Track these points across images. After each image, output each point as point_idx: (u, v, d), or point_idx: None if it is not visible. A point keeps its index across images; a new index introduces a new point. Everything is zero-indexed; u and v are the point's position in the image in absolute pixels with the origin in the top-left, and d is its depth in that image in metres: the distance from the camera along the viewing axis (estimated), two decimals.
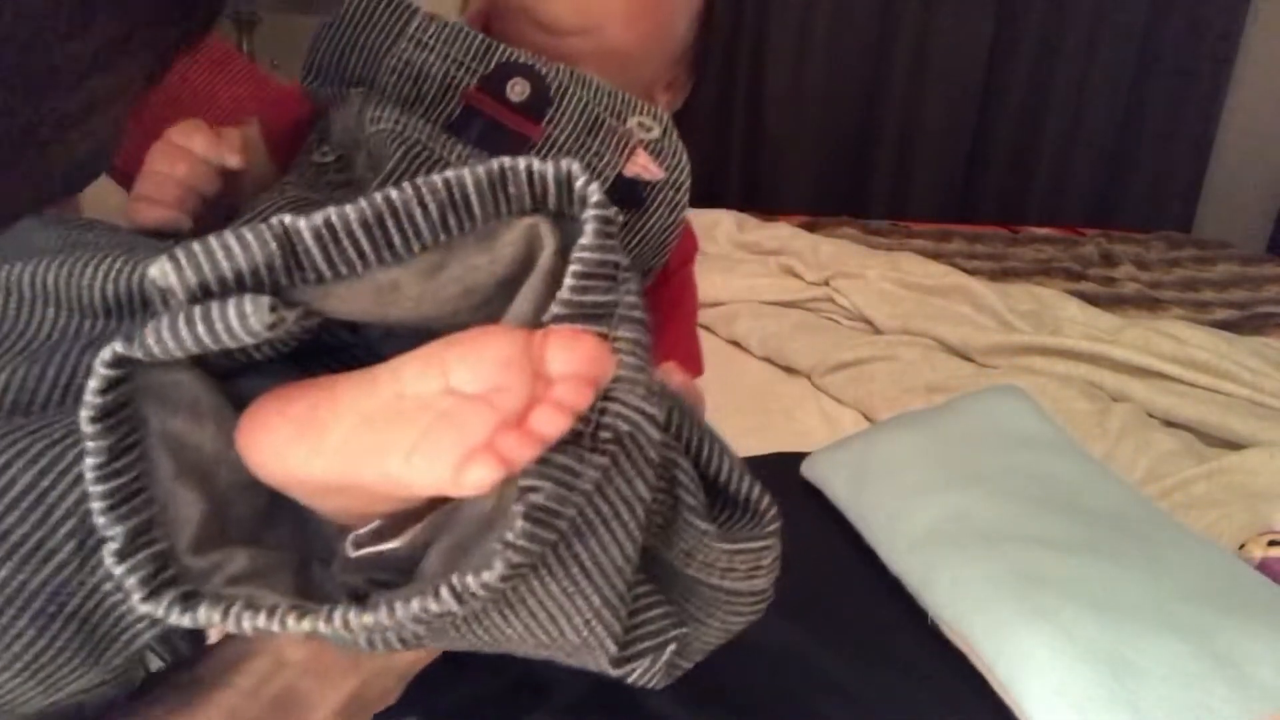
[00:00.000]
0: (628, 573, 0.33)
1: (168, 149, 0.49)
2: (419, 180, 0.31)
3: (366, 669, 0.41)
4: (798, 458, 0.90)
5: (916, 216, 2.32)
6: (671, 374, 0.45)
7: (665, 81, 0.64)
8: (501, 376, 0.29)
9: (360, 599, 0.32)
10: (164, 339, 0.30)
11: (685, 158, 0.54)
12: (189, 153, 0.48)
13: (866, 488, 0.80)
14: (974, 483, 0.77)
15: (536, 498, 0.29)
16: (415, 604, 0.30)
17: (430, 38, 0.52)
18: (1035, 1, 2.52)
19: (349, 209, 0.30)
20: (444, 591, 0.29)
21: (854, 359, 1.22)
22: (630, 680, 0.38)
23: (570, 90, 0.51)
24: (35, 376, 0.35)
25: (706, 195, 2.36)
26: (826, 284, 1.50)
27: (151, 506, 0.31)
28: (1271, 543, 0.79)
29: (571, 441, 0.30)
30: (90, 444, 0.30)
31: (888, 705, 0.60)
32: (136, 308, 0.37)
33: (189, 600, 0.31)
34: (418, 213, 0.31)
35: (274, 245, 0.30)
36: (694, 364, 0.63)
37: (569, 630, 0.34)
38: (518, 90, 0.51)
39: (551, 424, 0.27)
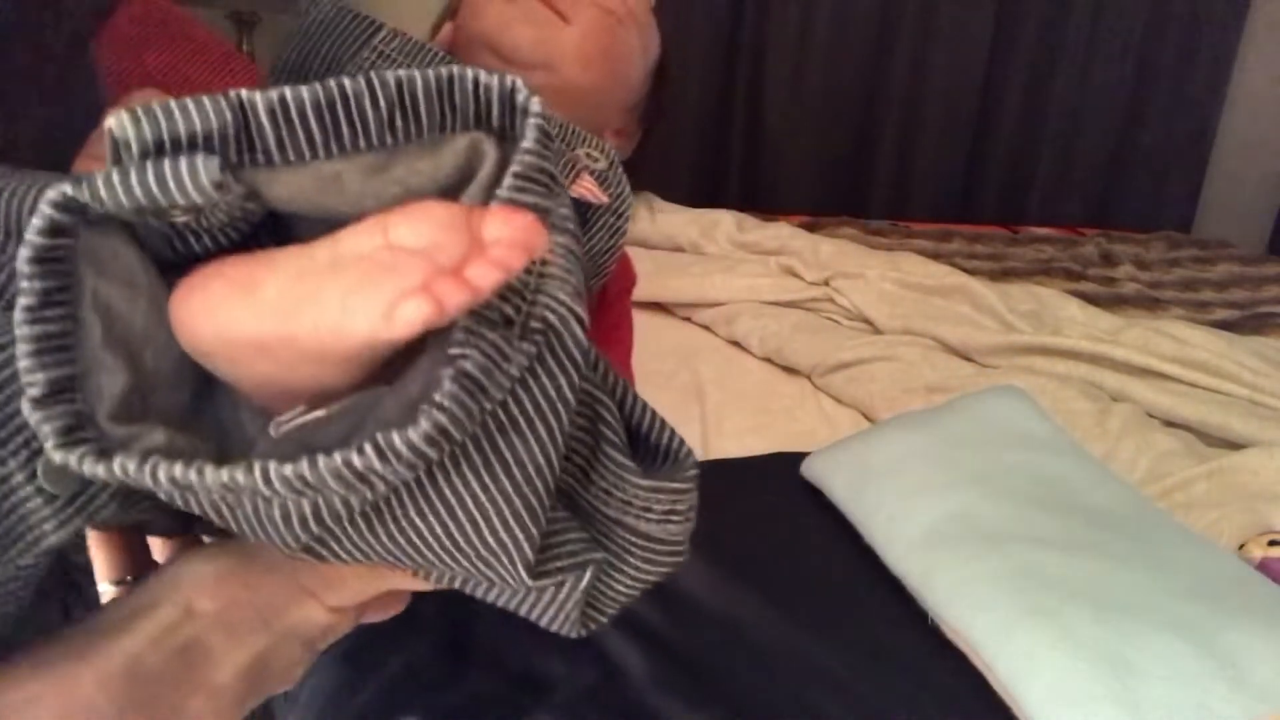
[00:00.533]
0: (549, 478, 0.33)
1: None
2: (371, 74, 0.31)
3: (276, 630, 0.40)
4: (798, 458, 0.90)
5: (916, 216, 2.32)
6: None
7: (615, 127, 0.67)
8: (441, 235, 0.29)
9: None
10: (114, 186, 0.30)
11: (629, 192, 0.55)
12: None
13: (866, 488, 0.80)
14: (974, 483, 0.77)
15: (465, 364, 0.30)
16: (338, 457, 0.29)
17: (393, 50, 0.52)
18: (1035, 1, 2.52)
19: (303, 90, 0.31)
20: (368, 447, 0.29)
21: (854, 359, 1.22)
22: (546, 621, 0.39)
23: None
24: None
25: (706, 195, 2.37)
26: (826, 284, 1.50)
27: (75, 365, 0.31)
28: (1271, 543, 0.79)
29: (502, 324, 0.31)
30: (24, 283, 0.30)
31: (888, 705, 0.60)
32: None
33: (104, 453, 0.30)
34: (368, 105, 0.31)
35: (228, 114, 0.30)
36: None
37: (487, 532, 0.34)
38: None
39: (485, 277, 0.28)
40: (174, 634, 0.38)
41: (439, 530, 0.34)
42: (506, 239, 0.29)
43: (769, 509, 0.84)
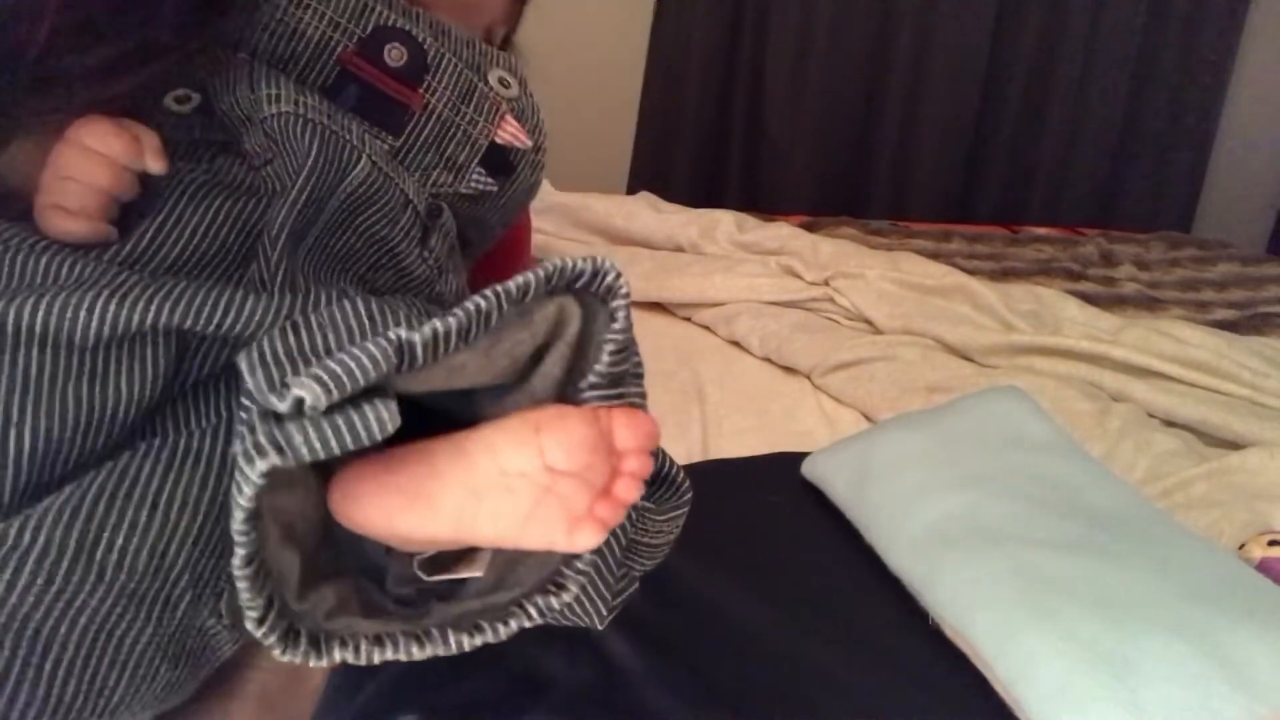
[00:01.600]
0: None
1: (84, 155, 0.44)
2: (497, 288, 0.37)
3: None
4: (798, 458, 0.90)
5: (916, 216, 2.32)
6: None
7: (502, 18, 0.66)
8: (588, 457, 0.36)
9: (423, 613, 0.40)
10: (313, 445, 0.34)
11: (541, 115, 0.57)
12: (109, 160, 0.45)
13: (866, 488, 0.80)
14: (974, 483, 0.77)
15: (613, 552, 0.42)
16: (514, 624, 0.39)
17: None
18: (1035, 1, 2.52)
19: (451, 321, 0.36)
20: (531, 610, 0.39)
21: (854, 359, 1.22)
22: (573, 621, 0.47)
23: (444, 56, 0.53)
24: (57, 425, 0.39)
25: (706, 195, 2.37)
26: (826, 284, 1.50)
27: (274, 575, 0.37)
28: (1271, 543, 0.79)
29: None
30: (239, 539, 0.35)
31: (888, 705, 0.60)
32: (131, 342, 0.40)
33: (317, 644, 0.37)
34: (495, 315, 0.37)
35: (395, 358, 0.35)
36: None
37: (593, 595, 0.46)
38: (394, 55, 0.51)
39: (631, 492, 0.37)
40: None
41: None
42: (635, 448, 0.37)
43: (769, 509, 0.84)
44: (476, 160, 0.54)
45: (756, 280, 1.47)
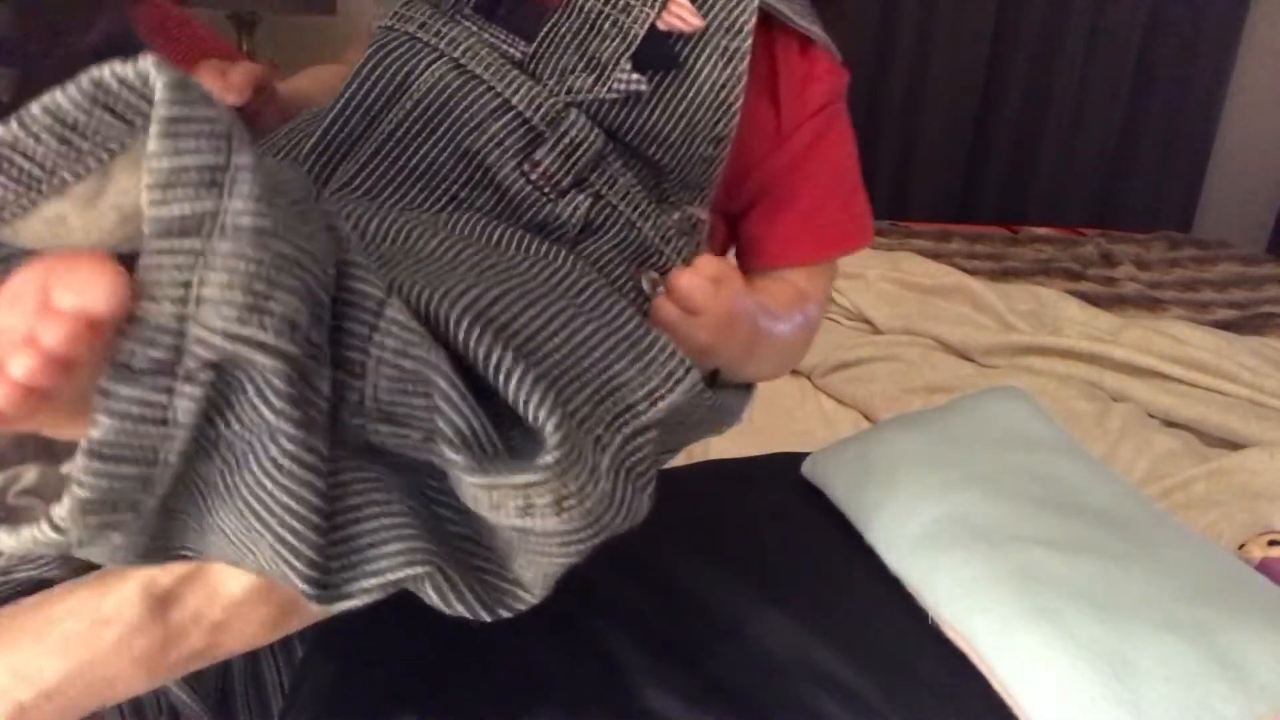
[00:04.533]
0: (298, 506, 0.31)
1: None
2: (20, 111, 0.29)
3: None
4: (798, 458, 0.90)
5: (916, 217, 2.32)
6: (688, 288, 0.43)
7: None
8: (7, 316, 0.28)
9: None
10: None
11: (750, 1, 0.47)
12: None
13: (866, 488, 0.80)
14: (974, 483, 0.77)
15: (95, 433, 0.29)
16: (25, 532, 0.31)
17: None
18: (1035, 2, 2.52)
19: None
20: (43, 523, 0.30)
21: (854, 359, 1.22)
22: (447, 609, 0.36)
23: None
24: None
25: None
26: None
27: None
28: (1271, 543, 0.79)
29: (156, 371, 0.29)
30: None
31: (887, 705, 0.60)
32: None
33: None
34: (31, 143, 0.29)
35: None
36: (820, 240, 0.53)
37: (264, 561, 0.33)
38: None
39: (21, 367, 0.27)
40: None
41: (233, 554, 0.34)
42: (67, 310, 0.27)
43: (769, 509, 0.84)
44: (626, 54, 0.45)
45: None
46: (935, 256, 1.71)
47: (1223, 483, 0.95)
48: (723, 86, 0.46)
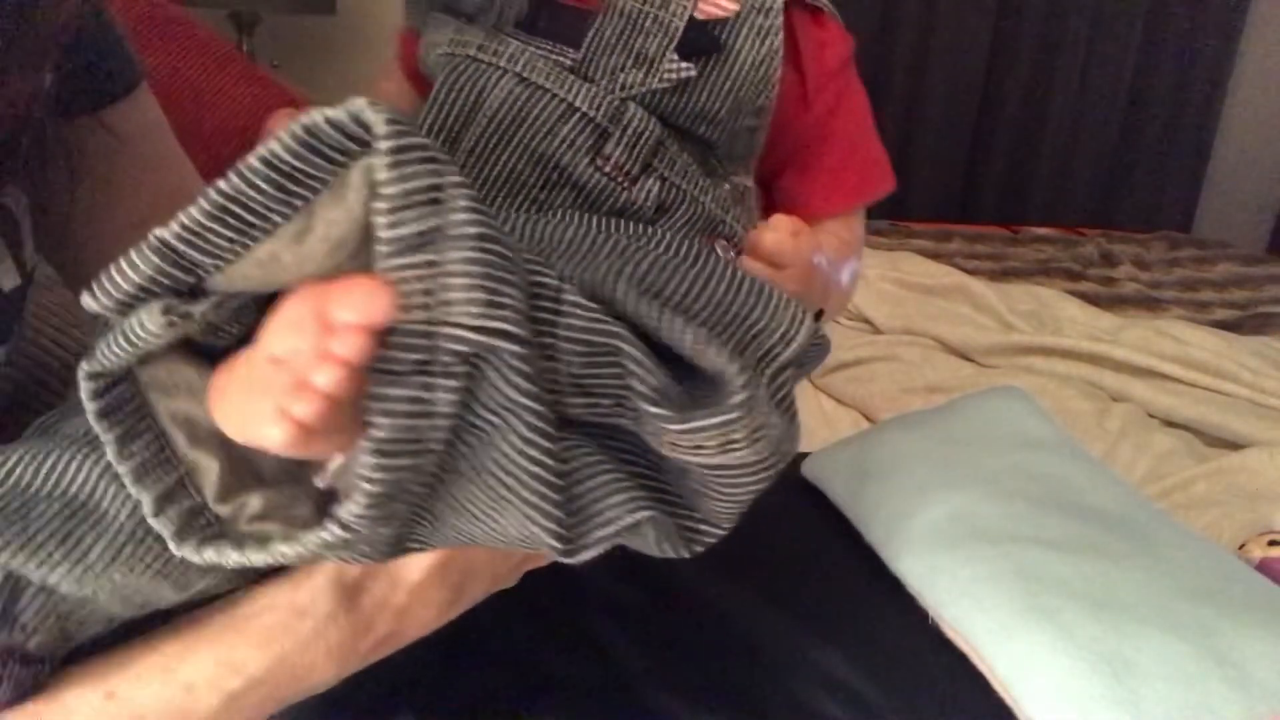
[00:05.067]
0: (544, 473, 0.35)
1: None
2: (240, 163, 0.33)
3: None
4: (798, 458, 0.90)
5: (916, 216, 2.32)
6: (760, 239, 0.47)
7: None
8: (294, 338, 0.31)
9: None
10: (106, 355, 0.35)
11: None
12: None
13: (866, 488, 0.80)
14: (974, 483, 0.77)
15: (377, 433, 0.32)
16: (312, 537, 0.34)
17: None
18: (1035, 1, 2.52)
19: (193, 208, 0.33)
20: (332, 525, 0.34)
21: (854, 359, 1.22)
22: (649, 551, 0.41)
23: None
24: None
25: None
26: None
27: (176, 470, 0.37)
28: (1271, 543, 0.79)
29: (413, 373, 0.32)
30: (103, 437, 0.36)
31: (887, 705, 0.60)
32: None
33: (207, 543, 0.36)
34: (252, 192, 0.32)
35: (155, 257, 0.33)
36: (854, 188, 0.58)
37: (512, 529, 0.37)
38: None
39: (326, 378, 0.30)
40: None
41: (479, 532, 0.38)
42: (343, 324, 0.30)
43: (769, 509, 0.84)
44: (671, 47, 0.49)
45: None
46: (935, 256, 1.71)
47: (1223, 483, 0.95)
48: (761, 62, 0.50)
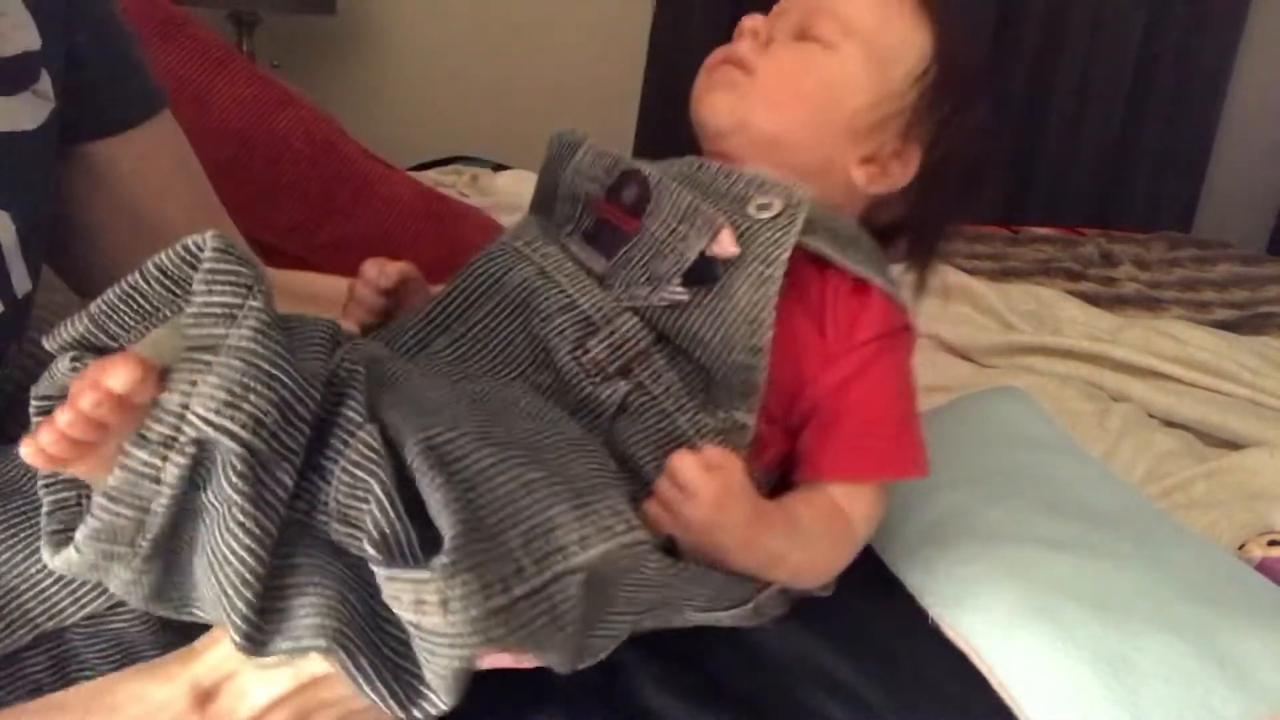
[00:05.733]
0: (242, 569, 0.39)
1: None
2: (139, 268, 0.44)
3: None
4: None
5: None
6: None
7: (858, 156, 0.63)
8: (75, 388, 0.39)
9: None
10: (45, 383, 0.45)
11: (790, 236, 0.56)
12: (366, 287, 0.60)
13: None
14: (975, 483, 0.77)
15: (110, 480, 0.40)
16: (60, 554, 0.41)
17: (584, 164, 0.61)
18: (1035, 2, 2.52)
19: (111, 290, 0.44)
20: (71, 547, 0.41)
21: None
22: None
23: (669, 189, 0.58)
24: None
25: None
26: None
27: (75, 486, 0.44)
28: (1271, 543, 0.79)
29: (159, 444, 0.39)
30: None
31: (887, 705, 0.60)
32: None
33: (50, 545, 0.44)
34: (147, 288, 0.44)
35: (85, 321, 0.44)
36: (863, 464, 0.59)
37: (210, 609, 0.42)
38: (628, 194, 0.59)
39: (64, 419, 0.38)
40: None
41: (204, 602, 0.43)
42: (94, 385, 0.38)
43: None
44: (679, 272, 0.55)
45: None
46: None
47: (1223, 483, 0.95)
48: (754, 304, 0.55)
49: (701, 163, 0.61)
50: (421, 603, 0.38)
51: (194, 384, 0.39)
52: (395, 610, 0.40)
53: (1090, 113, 2.62)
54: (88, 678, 0.46)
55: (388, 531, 0.39)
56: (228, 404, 0.39)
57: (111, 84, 0.60)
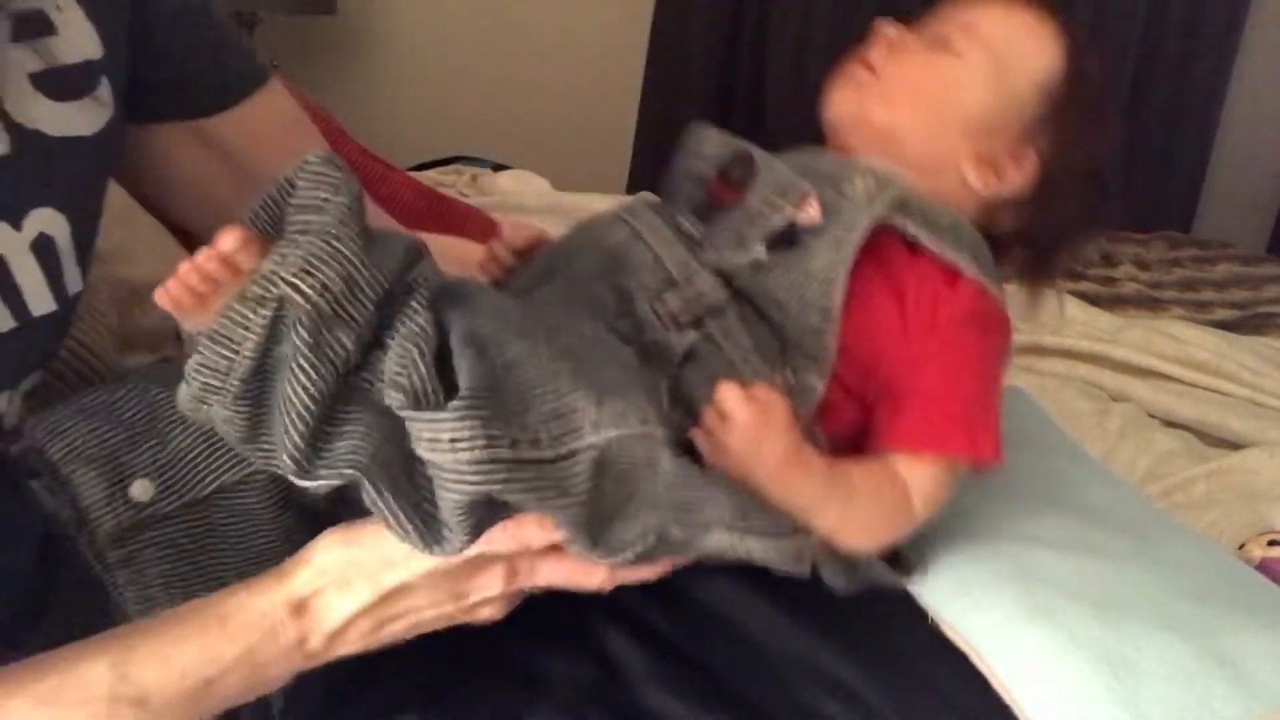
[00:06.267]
0: (305, 400, 0.46)
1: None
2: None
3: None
4: None
5: None
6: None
7: (972, 153, 0.65)
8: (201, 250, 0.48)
9: None
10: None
11: (873, 209, 0.58)
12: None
13: None
14: (974, 482, 0.77)
15: (212, 325, 0.47)
16: (183, 389, 0.49)
17: (706, 149, 0.65)
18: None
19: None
20: (185, 380, 0.48)
21: None
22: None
23: (772, 167, 0.62)
24: None
25: None
26: None
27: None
28: (1271, 543, 0.79)
29: (255, 301, 0.46)
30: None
31: (888, 705, 0.60)
32: None
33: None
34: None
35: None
36: (931, 436, 0.60)
37: (279, 433, 0.48)
38: (736, 172, 0.63)
39: (184, 269, 0.47)
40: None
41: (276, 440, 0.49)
42: (211, 247, 0.48)
43: None
44: (762, 235, 0.58)
45: None
46: None
47: (1223, 483, 0.96)
48: (829, 266, 0.57)
49: (818, 151, 0.65)
50: (435, 440, 0.45)
51: (285, 255, 0.47)
52: (416, 450, 0.47)
53: None
54: (219, 548, 0.56)
55: (419, 386, 0.46)
56: (304, 270, 0.46)
57: (206, 70, 0.64)
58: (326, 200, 0.49)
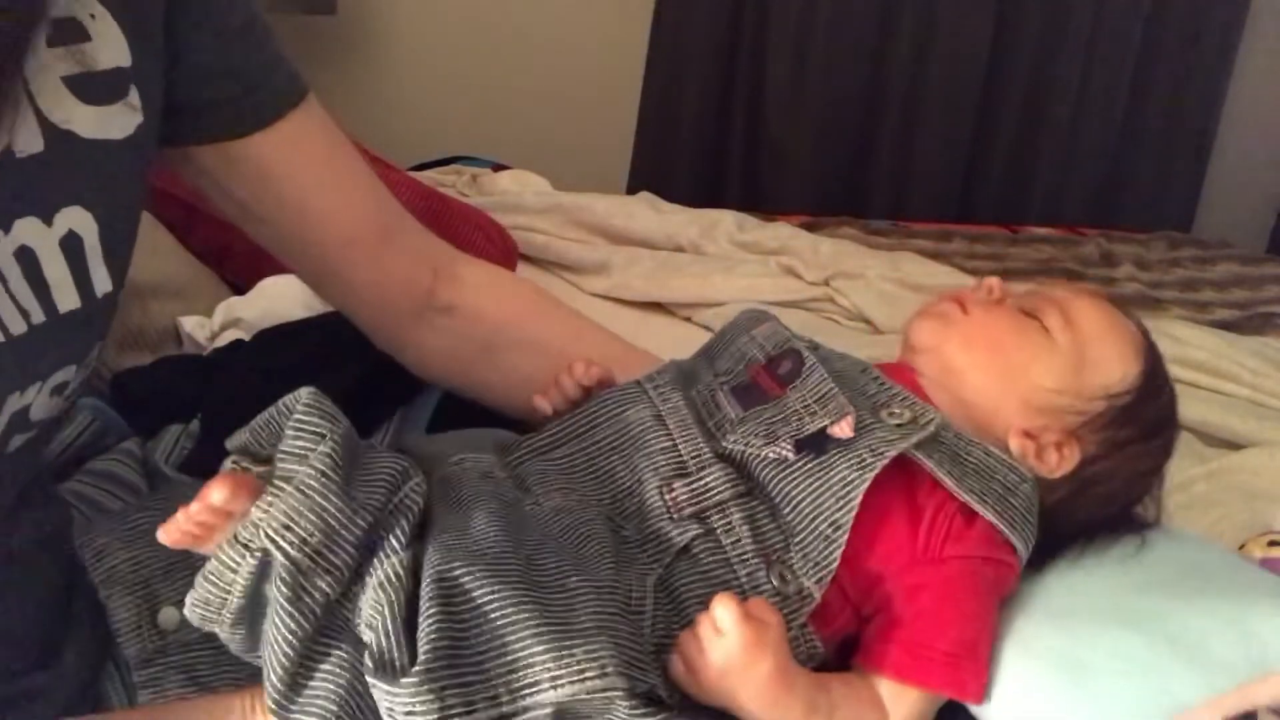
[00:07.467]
0: (284, 648, 0.50)
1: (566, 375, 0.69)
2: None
3: None
4: None
5: (917, 216, 2.32)
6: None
7: (1021, 426, 0.65)
8: (197, 495, 0.51)
9: None
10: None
11: (903, 441, 0.59)
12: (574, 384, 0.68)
13: None
14: None
15: (209, 564, 0.51)
16: (185, 610, 0.54)
17: (761, 334, 0.69)
18: (1035, 1, 2.52)
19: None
20: (185, 606, 0.53)
21: None
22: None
23: (818, 373, 0.63)
24: None
25: (707, 195, 2.37)
26: (827, 284, 1.50)
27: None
28: (1272, 543, 0.79)
29: (244, 545, 0.50)
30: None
31: None
32: None
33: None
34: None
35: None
36: (915, 668, 0.57)
37: (264, 667, 0.52)
38: (783, 367, 0.65)
39: (181, 517, 0.51)
40: None
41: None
42: (203, 498, 0.51)
43: None
44: (794, 436, 0.60)
45: (757, 281, 1.47)
46: (935, 256, 1.71)
47: (1223, 483, 0.96)
48: (848, 483, 0.58)
49: (866, 367, 0.66)
50: (392, 710, 0.48)
51: (270, 505, 0.50)
52: (379, 707, 0.49)
53: (1090, 113, 2.62)
54: (235, 677, 0.58)
55: (384, 648, 0.49)
56: (284, 526, 0.50)
57: (243, 92, 0.65)
58: (309, 450, 0.52)
